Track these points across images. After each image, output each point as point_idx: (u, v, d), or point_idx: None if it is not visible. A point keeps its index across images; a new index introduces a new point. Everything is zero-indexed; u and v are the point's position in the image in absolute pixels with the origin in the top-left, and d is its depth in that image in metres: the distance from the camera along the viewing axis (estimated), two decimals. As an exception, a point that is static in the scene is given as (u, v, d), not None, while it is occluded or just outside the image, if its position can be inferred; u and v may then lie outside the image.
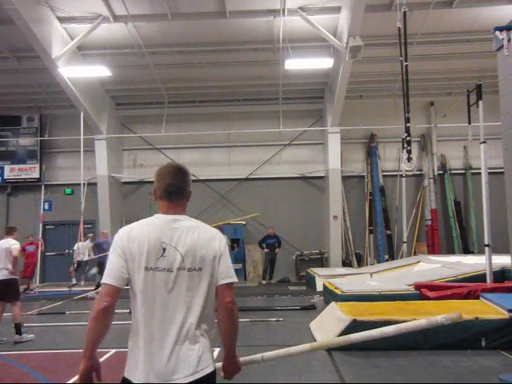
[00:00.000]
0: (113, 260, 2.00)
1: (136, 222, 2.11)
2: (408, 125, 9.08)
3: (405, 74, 8.99)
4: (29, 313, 9.24)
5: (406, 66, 8.95)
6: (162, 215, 2.11)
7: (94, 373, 1.96)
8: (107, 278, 1.97)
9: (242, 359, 2.38)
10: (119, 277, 1.97)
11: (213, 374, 1.98)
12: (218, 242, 2.07)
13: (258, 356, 2.88)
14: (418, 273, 10.29)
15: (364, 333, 3.10)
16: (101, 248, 12.91)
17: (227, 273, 2.05)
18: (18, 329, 6.85)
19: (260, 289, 12.92)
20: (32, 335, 7.02)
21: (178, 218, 2.09)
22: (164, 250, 1.99)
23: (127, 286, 2.03)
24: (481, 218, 8.77)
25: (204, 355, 1.95)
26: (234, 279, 2.08)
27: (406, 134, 9.27)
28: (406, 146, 9.23)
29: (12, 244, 7.14)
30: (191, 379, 1.89)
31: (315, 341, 6.31)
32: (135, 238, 2.00)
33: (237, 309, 2.08)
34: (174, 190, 2.13)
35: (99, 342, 1.97)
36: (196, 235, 2.04)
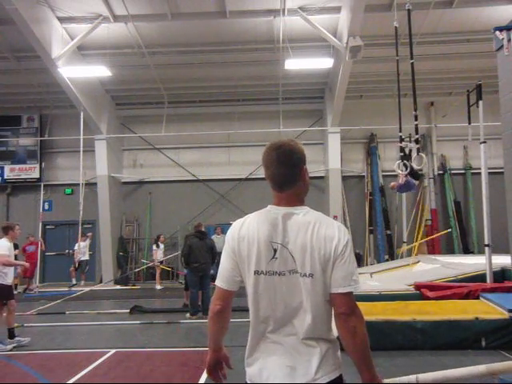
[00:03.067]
0: (224, 261, 1.92)
1: (250, 215, 1.91)
2: (416, 123, 9.02)
3: (402, 72, 8.97)
4: (28, 313, 9.25)
5: (412, 63, 8.90)
6: (275, 207, 1.86)
7: (224, 362, 2.02)
8: (219, 281, 1.92)
9: (390, 381, 2.06)
10: (230, 280, 1.89)
11: None
12: (335, 242, 1.76)
13: (412, 377, 2.33)
14: (418, 273, 10.29)
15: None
16: None
17: (344, 280, 1.75)
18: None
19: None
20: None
21: (293, 211, 1.83)
22: (275, 251, 1.78)
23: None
24: (481, 218, 8.76)
25: (319, 370, 1.77)
26: (352, 288, 1.76)
27: (400, 134, 9.25)
28: (401, 145, 9.18)
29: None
30: None
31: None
32: (245, 237, 1.83)
33: (359, 320, 1.77)
34: (281, 179, 1.86)
35: (221, 337, 2.01)
36: (309, 234, 1.77)
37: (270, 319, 1.80)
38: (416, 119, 8.98)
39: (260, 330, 1.83)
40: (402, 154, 9.02)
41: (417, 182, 9.72)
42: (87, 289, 12.92)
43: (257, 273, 1.80)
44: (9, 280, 6.80)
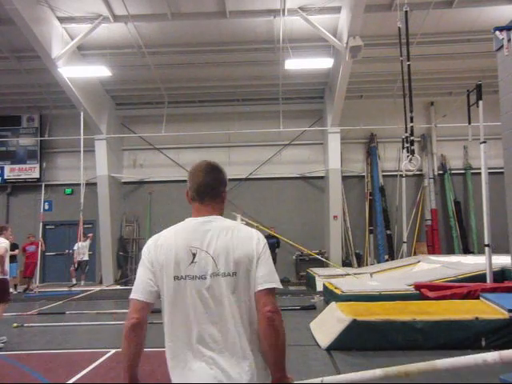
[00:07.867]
0: (140, 273, 1.87)
1: (166, 229, 1.93)
2: (411, 124, 9.05)
3: (407, 73, 8.99)
4: (29, 313, 9.25)
5: (409, 65, 8.92)
6: (193, 218, 1.92)
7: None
8: (134, 293, 1.85)
9: (298, 382, 2.11)
10: (147, 291, 1.83)
11: None
12: (255, 242, 1.83)
13: (318, 380, 2.39)
14: (418, 273, 10.29)
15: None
16: None
17: (267, 277, 1.79)
18: None
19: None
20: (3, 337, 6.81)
21: (209, 218, 1.88)
22: (194, 255, 1.79)
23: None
24: (481, 218, 8.76)
25: (252, 377, 1.73)
26: (276, 285, 1.81)
27: (407, 134, 9.26)
28: (408, 145, 9.20)
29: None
30: None
31: (315, 340, 6.31)
32: (162, 246, 1.84)
33: (280, 319, 1.79)
34: (206, 189, 1.94)
35: (136, 360, 1.83)
36: (229, 236, 1.82)
37: (192, 325, 1.76)
38: (412, 121, 9.00)
39: (182, 340, 1.77)
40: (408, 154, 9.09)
41: None
42: (87, 289, 12.91)
43: (176, 278, 1.78)
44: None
